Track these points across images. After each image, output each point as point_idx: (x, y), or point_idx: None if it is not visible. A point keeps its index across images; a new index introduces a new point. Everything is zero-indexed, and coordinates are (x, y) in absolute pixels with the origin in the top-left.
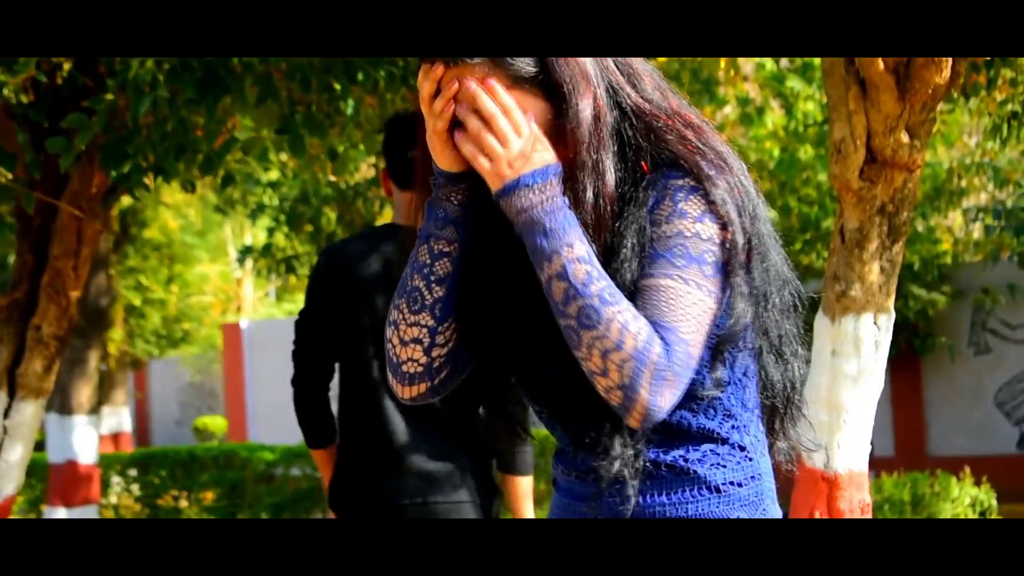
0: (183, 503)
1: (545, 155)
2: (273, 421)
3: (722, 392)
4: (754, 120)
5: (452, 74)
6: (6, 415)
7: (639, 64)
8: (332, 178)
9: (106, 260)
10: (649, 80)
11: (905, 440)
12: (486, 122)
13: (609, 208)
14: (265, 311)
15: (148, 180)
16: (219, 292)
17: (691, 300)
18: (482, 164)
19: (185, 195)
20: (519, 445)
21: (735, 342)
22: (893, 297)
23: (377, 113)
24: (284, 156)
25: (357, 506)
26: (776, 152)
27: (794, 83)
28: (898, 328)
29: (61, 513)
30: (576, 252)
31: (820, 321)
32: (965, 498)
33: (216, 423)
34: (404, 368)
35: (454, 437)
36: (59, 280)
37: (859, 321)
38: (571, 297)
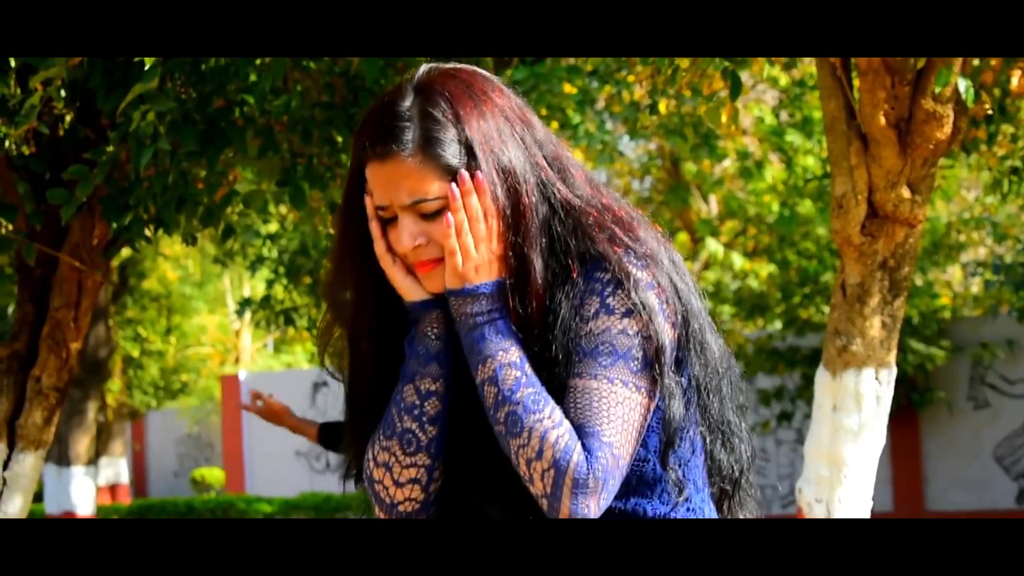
0: None
1: (496, 266)
2: (271, 473)
3: (675, 474)
4: (753, 174)
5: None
6: (5, 466)
7: (570, 159)
8: (332, 231)
9: (105, 311)
10: (579, 175)
11: (904, 494)
12: (468, 221)
13: (535, 305)
14: (263, 363)
15: (149, 232)
16: (217, 343)
17: (616, 400)
18: (455, 261)
19: (184, 247)
20: None
21: (677, 430)
22: (895, 352)
23: None
24: (284, 208)
25: None
26: (775, 206)
27: (793, 137)
28: (897, 382)
29: None
30: (509, 357)
31: (821, 376)
32: None
33: (214, 475)
34: (401, 508)
35: None
36: (59, 331)
37: (860, 376)
38: (499, 402)
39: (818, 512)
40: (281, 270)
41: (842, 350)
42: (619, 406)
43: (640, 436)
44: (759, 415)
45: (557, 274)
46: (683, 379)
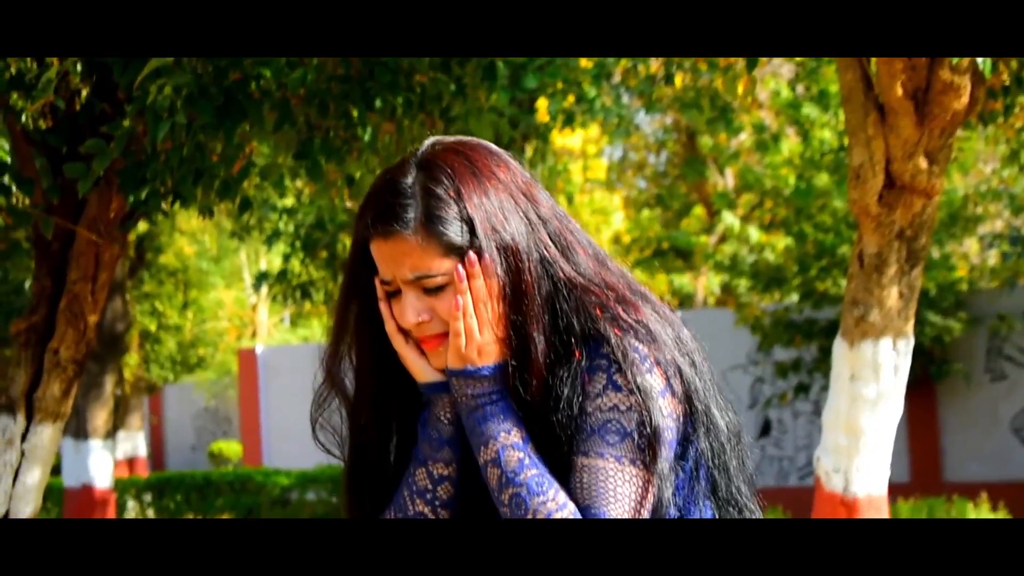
0: None
1: (498, 348)
2: (288, 446)
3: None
4: (770, 147)
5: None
6: (24, 439)
7: (576, 236)
8: (348, 204)
9: (122, 286)
10: (584, 252)
11: (921, 466)
12: (474, 303)
13: (536, 383)
14: (280, 337)
15: (165, 205)
16: (234, 318)
17: (623, 479)
18: (459, 343)
19: (200, 221)
20: None
21: (663, 513)
22: (912, 322)
23: (394, 139)
24: (300, 182)
25: None
26: (792, 179)
27: (810, 110)
28: (914, 355)
29: None
30: (512, 439)
31: (839, 346)
32: None
33: (231, 448)
34: None
35: None
36: (77, 304)
37: (878, 345)
38: (503, 485)
39: (836, 482)
40: (298, 244)
41: (860, 320)
42: (626, 484)
43: (647, 513)
44: (776, 387)
45: (559, 352)
46: (689, 456)
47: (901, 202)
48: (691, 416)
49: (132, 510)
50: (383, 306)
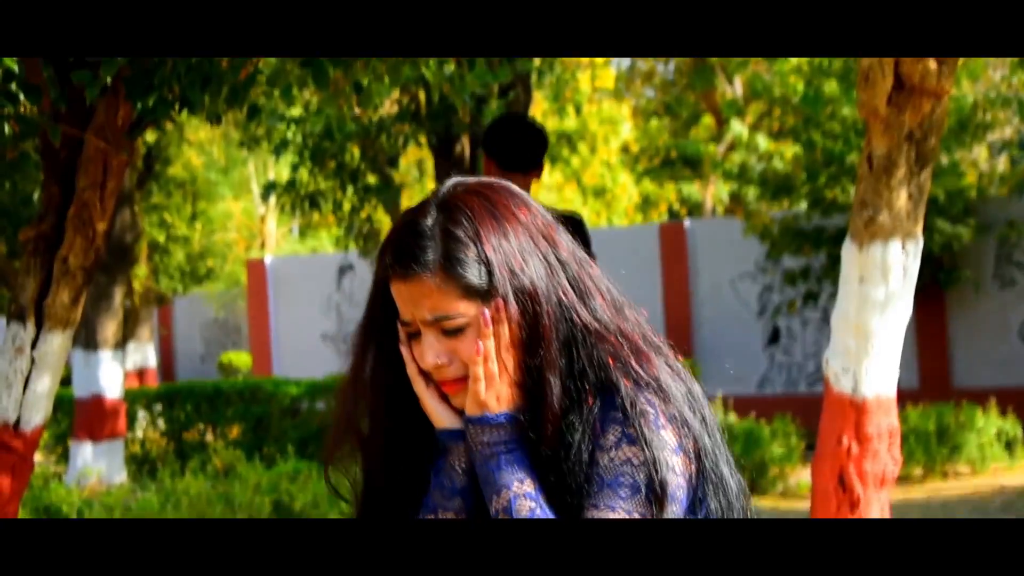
0: (208, 437)
1: (516, 396)
2: (298, 356)
3: None
4: None
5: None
6: (34, 346)
7: (595, 282)
8: (357, 111)
9: (131, 197)
10: (601, 299)
11: (930, 373)
12: (498, 350)
13: (551, 428)
14: (289, 247)
15: (173, 112)
16: (243, 229)
17: None
18: (478, 388)
19: (208, 132)
20: None
21: None
22: (921, 223)
23: None
24: (308, 92)
25: None
26: (800, 87)
27: None
28: (923, 262)
29: (87, 447)
30: (524, 488)
31: (848, 248)
32: (991, 429)
33: (241, 359)
34: None
35: None
36: (86, 212)
37: (887, 247)
38: None
39: (845, 383)
40: (306, 154)
41: (869, 222)
42: None
43: None
44: (785, 295)
45: (574, 398)
46: (699, 514)
47: (910, 103)
48: (701, 474)
49: (142, 420)
50: (404, 348)
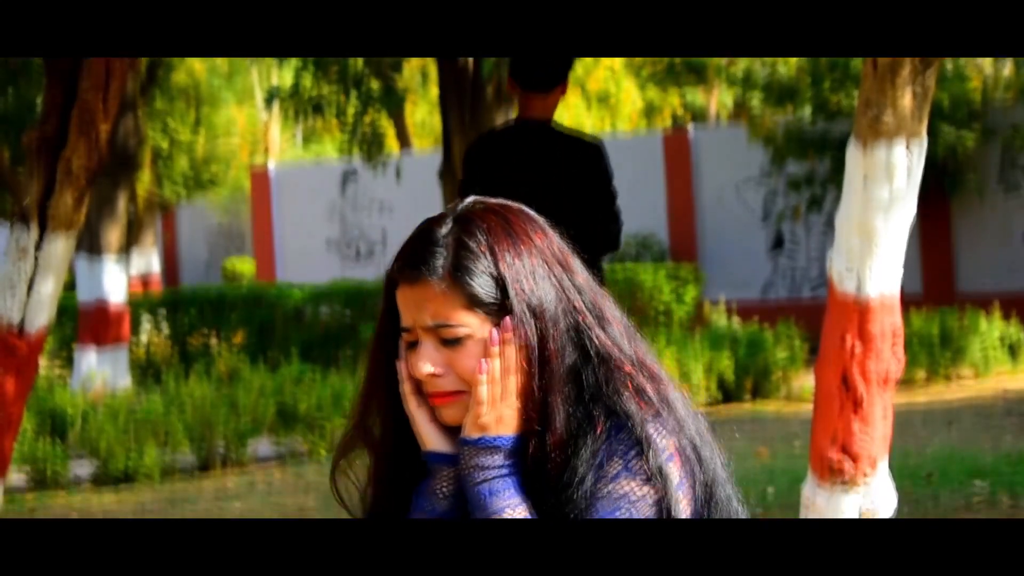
0: (212, 342)
1: (517, 422)
2: (301, 262)
3: None
4: None
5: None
6: (37, 248)
7: (610, 309)
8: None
9: (134, 104)
10: (617, 325)
11: (934, 278)
12: (503, 371)
13: (556, 453)
14: (292, 153)
15: None
16: (246, 135)
17: None
18: (480, 410)
19: None
20: None
21: None
22: (925, 123)
23: None
24: None
25: None
26: None
27: None
28: (927, 168)
29: (92, 353)
30: (516, 514)
31: (852, 148)
32: (994, 333)
33: (244, 265)
34: None
35: None
36: (88, 113)
37: (891, 147)
38: None
39: (848, 284)
40: (309, 60)
41: (873, 122)
42: None
43: None
44: (789, 201)
45: (582, 424)
46: None
47: None
48: (709, 509)
49: (147, 326)
50: (401, 365)
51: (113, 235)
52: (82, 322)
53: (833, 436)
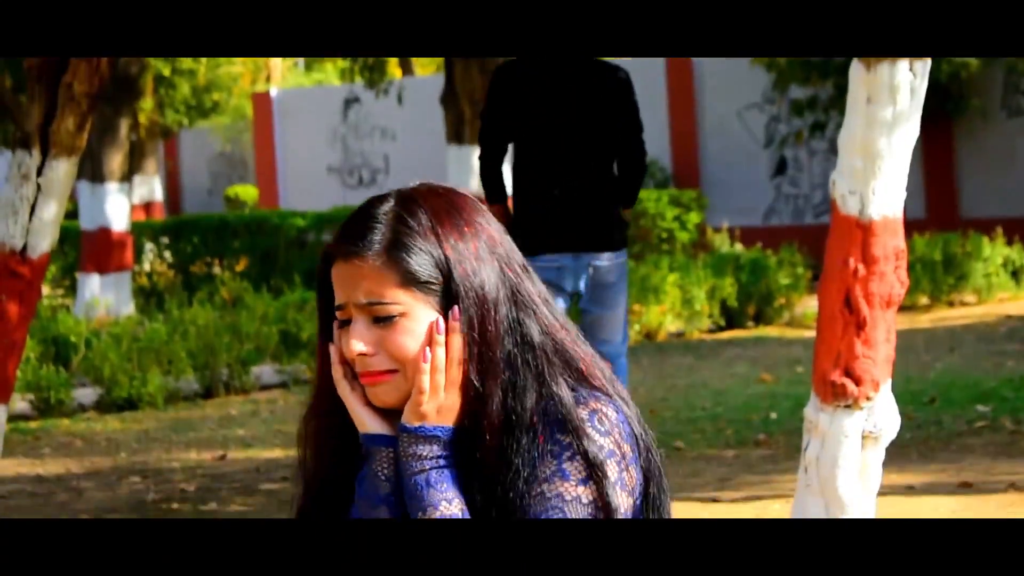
0: (216, 269)
1: (455, 414)
2: (303, 188)
3: None
4: None
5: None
6: (39, 173)
7: (549, 300)
8: None
9: None
10: (556, 319)
11: (937, 203)
12: (448, 361)
13: (491, 445)
14: (294, 80)
15: None
16: (248, 62)
17: None
18: (421, 399)
19: None
20: None
21: None
22: None
23: None
24: None
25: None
26: None
27: None
28: (930, 91)
29: (95, 279)
30: (451, 509)
31: (855, 69)
32: (997, 258)
33: (247, 192)
34: None
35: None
36: None
37: (895, 67)
38: None
39: (851, 205)
40: None
41: None
42: None
43: None
44: (792, 126)
45: (519, 416)
46: None
47: None
48: (646, 500)
49: (149, 253)
50: (333, 349)
51: (115, 162)
52: (85, 249)
53: (836, 358)
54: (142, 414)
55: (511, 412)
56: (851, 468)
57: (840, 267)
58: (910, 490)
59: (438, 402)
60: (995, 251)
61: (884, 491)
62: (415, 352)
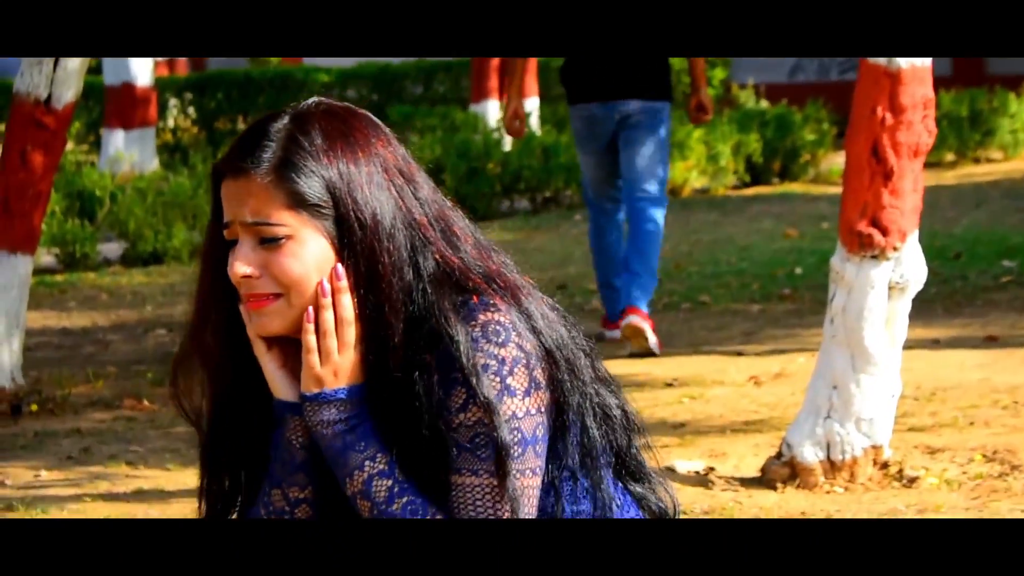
0: (240, 126)
1: (357, 372)
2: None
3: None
4: None
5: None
6: None
7: (457, 222)
8: None
9: None
10: (467, 240)
11: (963, 58)
12: (337, 322)
13: (397, 380)
14: None
15: None
16: None
17: (500, 495)
18: (312, 361)
19: None
20: None
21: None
22: None
23: None
24: None
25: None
26: None
27: None
28: None
29: (119, 135)
30: (377, 466)
31: None
32: None
33: None
34: None
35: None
36: None
37: None
38: (376, 516)
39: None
40: None
41: None
42: (504, 500)
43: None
44: None
45: (421, 346)
46: (571, 440)
47: None
48: (565, 405)
49: (173, 109)
50: (243, 308)
51: None
52: (109, 104)
53: (863, 208)
54: (167, 268)
55: (413, 344)
56: (877, 319)
57: (868, 116)
58: (936, 344)
59: (333, 365)
60: (1022, 107)
61: (909, 345)
62: (300, 276)
